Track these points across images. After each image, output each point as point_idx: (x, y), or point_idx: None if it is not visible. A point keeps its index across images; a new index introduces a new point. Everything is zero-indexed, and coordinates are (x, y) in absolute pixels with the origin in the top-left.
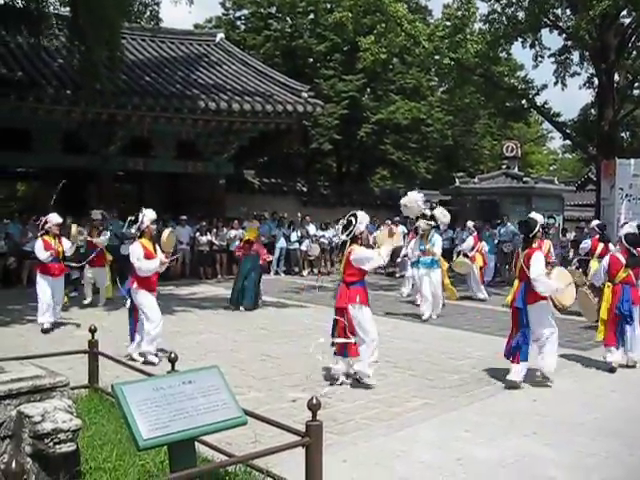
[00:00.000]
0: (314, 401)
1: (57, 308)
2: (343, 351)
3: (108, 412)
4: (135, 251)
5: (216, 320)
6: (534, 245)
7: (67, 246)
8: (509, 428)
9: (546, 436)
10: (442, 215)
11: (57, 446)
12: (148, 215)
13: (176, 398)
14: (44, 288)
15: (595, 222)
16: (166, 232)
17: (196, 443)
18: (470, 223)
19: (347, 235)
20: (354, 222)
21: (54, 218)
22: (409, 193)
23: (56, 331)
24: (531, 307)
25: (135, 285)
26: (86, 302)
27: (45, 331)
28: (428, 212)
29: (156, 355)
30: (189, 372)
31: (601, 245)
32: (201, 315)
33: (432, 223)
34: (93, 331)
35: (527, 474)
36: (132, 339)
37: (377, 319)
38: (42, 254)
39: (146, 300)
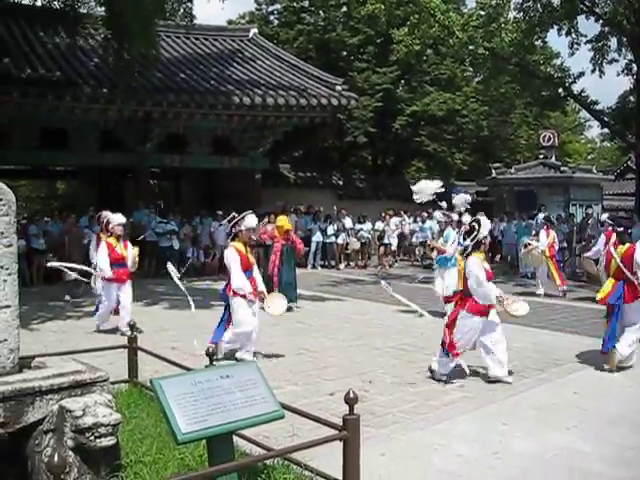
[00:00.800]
0: (351, 395)
1: (126, 317)
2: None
3: (147, 406)
4: (230, 256)
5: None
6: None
7: (131, 251)
8: (548, 421)
9: (586, 429)
10: (460, 203)
11: (98, 440)
12: (248, 221)
13: (214, 392)
14: (109, 293)
15: (605, 215)
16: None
17: (234, 437)
18: (541, 215)
19: (471, 240)
20: (477, 228)
21: (117, 218)
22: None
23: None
24: (628, 306)
25: (231, 293)
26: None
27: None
28: (444, 204)
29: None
30: (227, 367)
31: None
32: None
33: (450, 215)
34: (132, 326)
35: (566, 468)
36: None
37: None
38: (103, 264)
39: (240, 308)
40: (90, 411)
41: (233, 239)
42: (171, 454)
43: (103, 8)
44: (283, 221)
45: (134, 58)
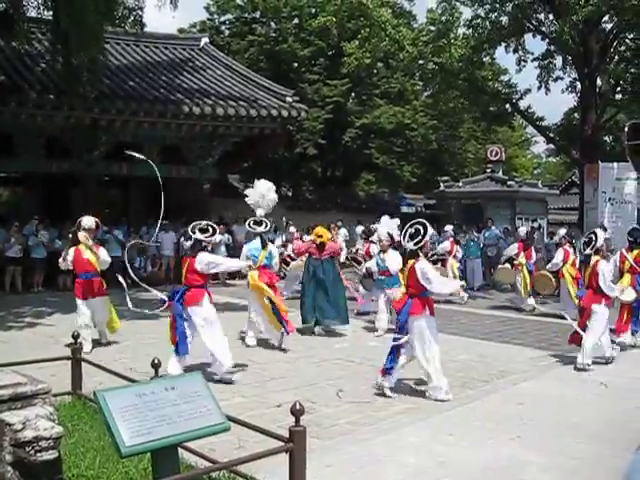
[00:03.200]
0: (297, 406)
1: (104, 332)
2: None
3: (91, 419)
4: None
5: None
6: None
7: (104, 254)
8: (493, 432)
9: (531, 440)
10: (384, 235)
11: (38, 454)
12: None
13: (159, 404)
14: (82, 310)
15: (563, 230)
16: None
17: (180, 449)
18: (562, 231)
19: (415, 244)
20: (422, 232)
21: (86, 221)
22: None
23: (39, 337)
24: None
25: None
26: (86, 351)
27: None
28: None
29: None
30: (172, 378)
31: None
32: None
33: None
34: (76, 337)
35: (512, 478)
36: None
37: (363, 324)
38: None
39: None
40: (30, 424)
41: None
42: (115, 468)
43: (51, 12)
44: (322, 231)
45: (82, 64)
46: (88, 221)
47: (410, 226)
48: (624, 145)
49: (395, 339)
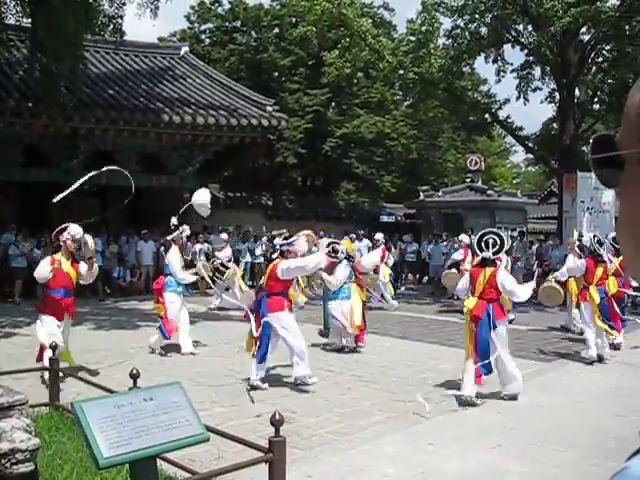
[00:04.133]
0: (277, 416)
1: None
2: None
3: (69, 430)
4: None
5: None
6: None
7: (84, 270)
8: (473, 441)
9: (511, 448)
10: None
11: (15, 466)
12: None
13: (137, 415)
14: (53, 331)
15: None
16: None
17: (159, 461)
18: (463, 236)
19: (494, 254)
20: (499, 242)
21: (73, 229)
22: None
23: (17, 348)
24: None
25: None
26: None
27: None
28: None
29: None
30: (150, 389)
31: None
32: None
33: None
34: (54, 348)
35: None
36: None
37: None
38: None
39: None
40: (7, 436)
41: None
42: (93, 479)
43: (29, 20)
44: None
45: (61, 72)
46: (75, 229)
47: (485, 235)
48: (588, 159)
49: None
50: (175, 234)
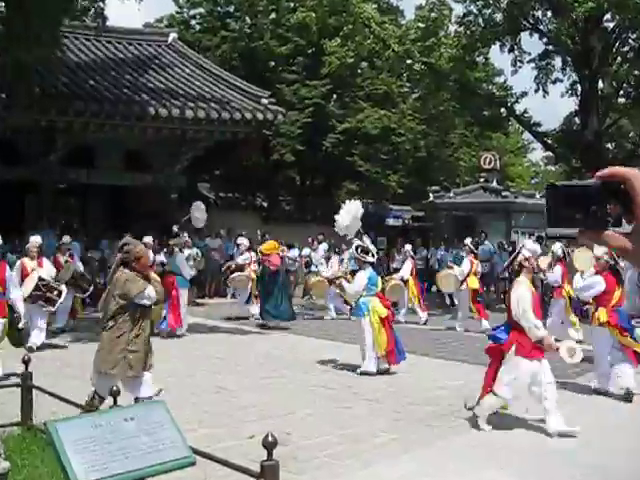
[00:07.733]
0: (269, 438)
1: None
2: None
3: (42, 452)
4: None
5: (166, 347)
6: None
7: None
8: (480, 461)
9: (520, 468)
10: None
11: None
12: None
13: (117, 436)
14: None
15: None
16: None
17: None
18: (467, 241)
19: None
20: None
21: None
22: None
23: None
24: None
25: None
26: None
27: None
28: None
29: None
30: (132, 407)
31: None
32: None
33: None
34: (27, 362)
35: None
36: None
37: (340, 346)
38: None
39: None
40: None
41: None
42: None
43: (2, 3)
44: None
45: (36, 60)
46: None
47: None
48: (544, 210)
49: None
50: (176, 240)
